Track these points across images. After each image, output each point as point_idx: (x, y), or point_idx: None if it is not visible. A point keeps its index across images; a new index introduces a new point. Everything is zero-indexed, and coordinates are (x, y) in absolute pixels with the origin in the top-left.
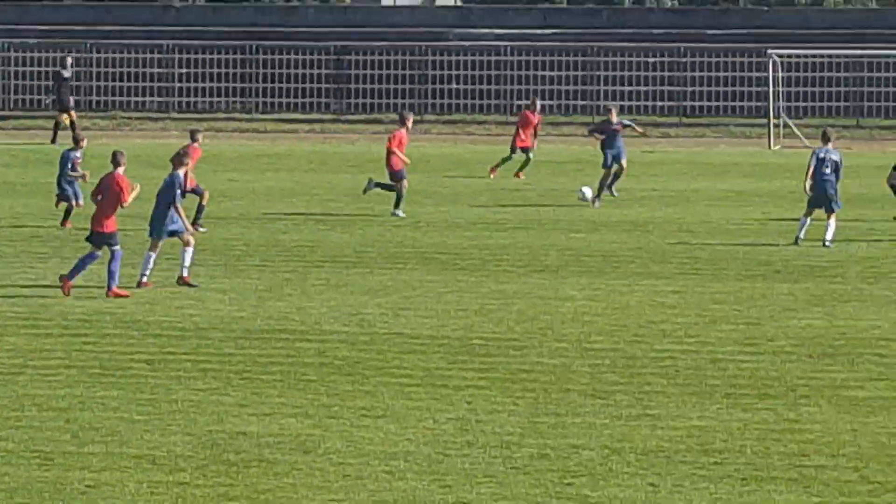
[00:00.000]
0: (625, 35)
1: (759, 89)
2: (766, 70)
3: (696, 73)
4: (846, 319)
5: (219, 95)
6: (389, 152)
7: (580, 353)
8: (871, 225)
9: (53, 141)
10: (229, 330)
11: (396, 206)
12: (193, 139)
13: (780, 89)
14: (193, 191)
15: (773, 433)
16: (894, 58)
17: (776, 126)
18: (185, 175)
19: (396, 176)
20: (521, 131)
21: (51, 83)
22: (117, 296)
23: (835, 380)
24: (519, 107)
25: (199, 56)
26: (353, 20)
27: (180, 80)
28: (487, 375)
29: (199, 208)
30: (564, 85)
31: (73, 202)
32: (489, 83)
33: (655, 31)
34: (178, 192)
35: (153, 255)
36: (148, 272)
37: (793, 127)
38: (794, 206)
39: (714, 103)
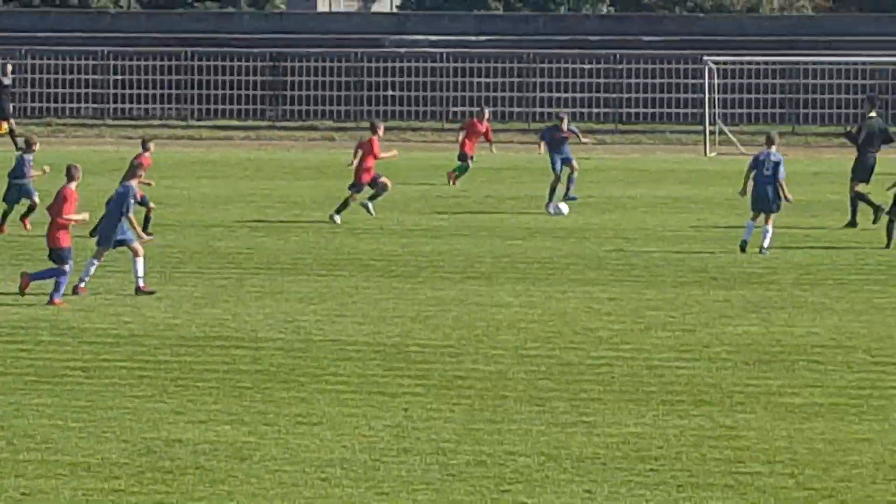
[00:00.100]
0: (560, 42)
1: (695, 96)
2: (702, 77)
3: (632, 80)
4: (782, 326)
5: (154, 102)
6: (368, 159)
7: (516, 360)
8: (806, 232)
9: None
10: (164, 337)
11: (338, 211)
12: (145, 148)
13: (716, 96)
14: (141, 201)
15: (708, 440)
16: (829, 65)
17: (712, 133)
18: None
19: (356, 187)
20: (467, 139)
21: None
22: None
23: (770, 386)
24: (454, 114)
25: (134, 63)
26: (288, 27)
27: (115, 87)
28: (423, 382)
29: (147, 218)
30: (500, 91)
31: (32, 199)
32: (425, 90)
33: (591, 37)
34: (131, 202)
35: (96, 263)
36: (87, 279)
37: (728, 134)
38: (729, 213)
39: (650, 110)
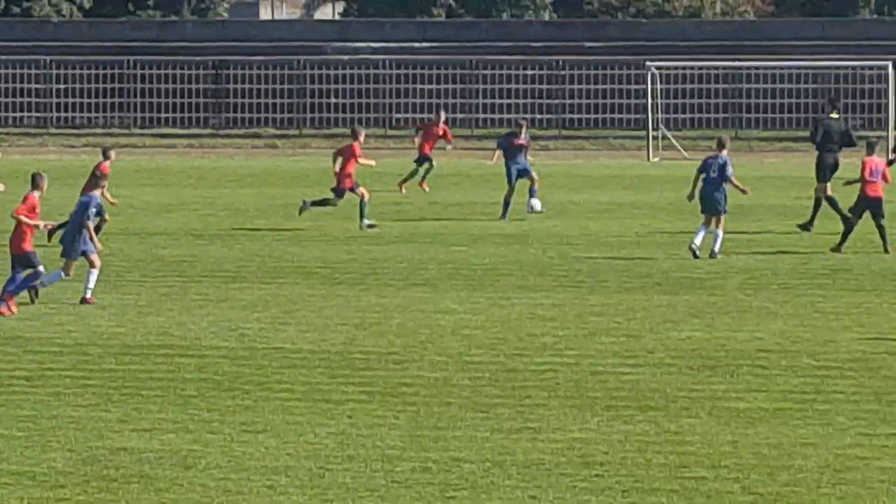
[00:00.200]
0: (503, 48)
1: (638, 101)
2: (645, 82)
3: (575, 86)
4: (726, 331)
5: (97, 111)
6: (349, 164)
7: (460, 367)
8: (750, 237)
9: None
10: (109, 346)
11: (314, 204)
12: (105, 156)
13: (659, 101)
14: (98, 212)
15: (653, 445)
16: (772, 69)
17: (655, 138)
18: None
19: (338, 192)
20: (425, 142)
21: None
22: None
23: (715, 391)
24: (397, 120)
25: (77, 71)
26: (231, 34)
27: (58, 96)
28: (368, 389)
29: (98, 228)
30: (443, 98)
31: None
32: (367, 97)
33: (534, 44)
34: (92, 211)
35: (63, 276)
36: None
37: (671, 139)
38: (673, 218)
39: (593, 116)
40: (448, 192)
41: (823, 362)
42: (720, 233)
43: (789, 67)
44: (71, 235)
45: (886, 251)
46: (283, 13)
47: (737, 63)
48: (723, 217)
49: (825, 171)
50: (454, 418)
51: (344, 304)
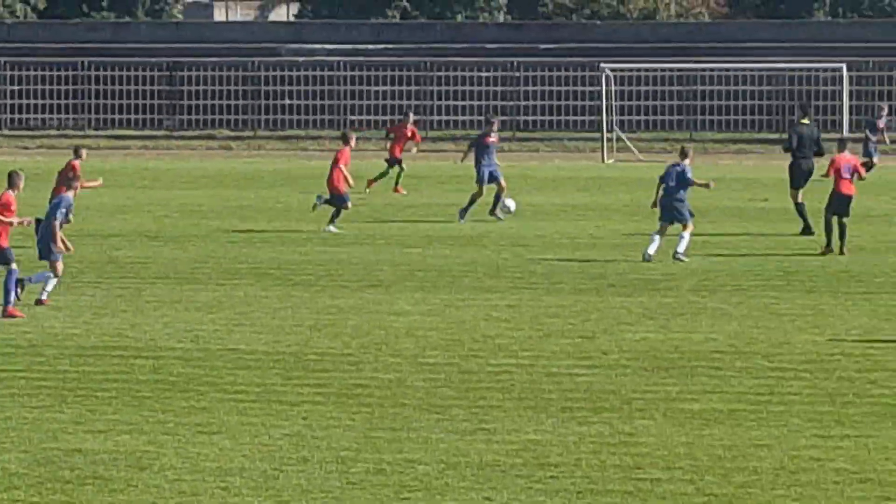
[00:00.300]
0: (458, 50)
1: (593, 103)
2: (600, 84)
3: (530, 88)
4: (680, 332)
5: (51, 112)
6: (334, 170)
7: (415, 368)
8: (704, 238)
9: None
10: (63, 347)
11: (331, 222)
12: (77, 155)
13: (614, 103)
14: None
15: (608, 446)
16: (726, 71)
17: (609, 140)
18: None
19: (338, 200)
20: (396, 144)
21: None
22: (12, 315)
23: (669, 393)
24: (352, 122)
25: (31, 73)
26: (185, 36)
27: (11, 97)
28: (323, 391)
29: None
30: (398, 100)
31: None
32: (322, 98)
33: (489, 45)
34: (63, 211)
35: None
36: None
37: (626, 140)
38: (627, 220)
39: (547, 117)
40: (402, 194)
41: (778, 364)
42: (686, 235)
43: (744, 69)
44: (46, 236)
45: (842, 252)
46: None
47: (691, 65)
48: (689, 223)
49: (799, 177)
50: (409, 420)
51: (298, 306)
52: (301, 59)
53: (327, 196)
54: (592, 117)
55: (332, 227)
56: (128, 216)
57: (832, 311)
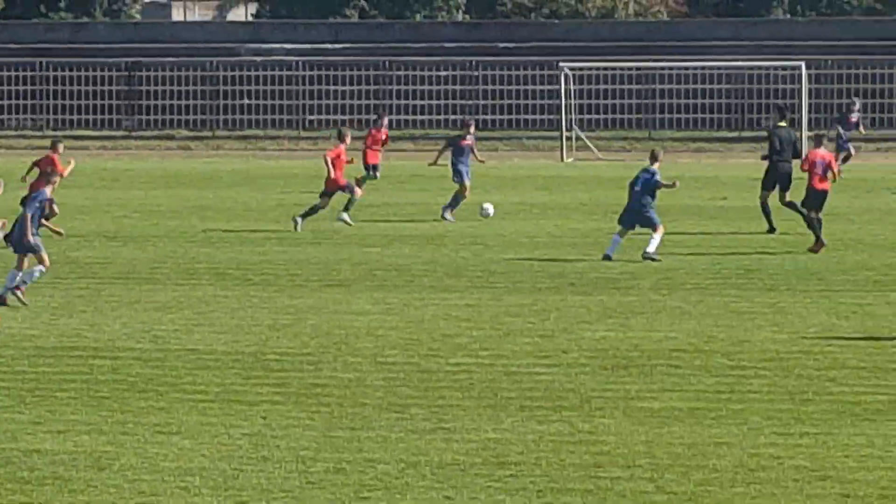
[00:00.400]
0: (416, 49)
1: (551, 102)
2: (558, 83)
3: (489, 87)
4: (640, 331)
5: (9, 112)
6: (329, 168)
7: (375, 368)
8: (664, 237)
9: None
10: (22, 348)
11: (345, 209)
12: (54, 149)
13: (572, 102)
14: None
15: (568, 445)
16: (685, 70)
17: (568, 139)
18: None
19: (346, 189)
20: (369, 150)
21: None
22: None
23: (629, 391)
24: (311, 122)
25: None
26: (143, 36)
27: None
28: (282, 390)
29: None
30: (357, 99)
31: None
32: (281, 98)
33: (447, 44)
34: (38, 206)
35: (40, 269)
36: (29, 281)
37: (585, 139)
38: (586, 219)
39: (506, 116)
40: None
41: (737, 362)
42: (657, 236)
43: (703, 68)
44: (21, 232)
45: (818, 244)
46: (196, 15)
47: (650, 63)
48: (659, 226)
49: (772, 180)
50: (368, 419)
51: (257, 306)
52: (259, 58)
53: (304, 209)
54: (551, 116)
55: (345, 216)
56: (86, 216)
57: (791, 310)
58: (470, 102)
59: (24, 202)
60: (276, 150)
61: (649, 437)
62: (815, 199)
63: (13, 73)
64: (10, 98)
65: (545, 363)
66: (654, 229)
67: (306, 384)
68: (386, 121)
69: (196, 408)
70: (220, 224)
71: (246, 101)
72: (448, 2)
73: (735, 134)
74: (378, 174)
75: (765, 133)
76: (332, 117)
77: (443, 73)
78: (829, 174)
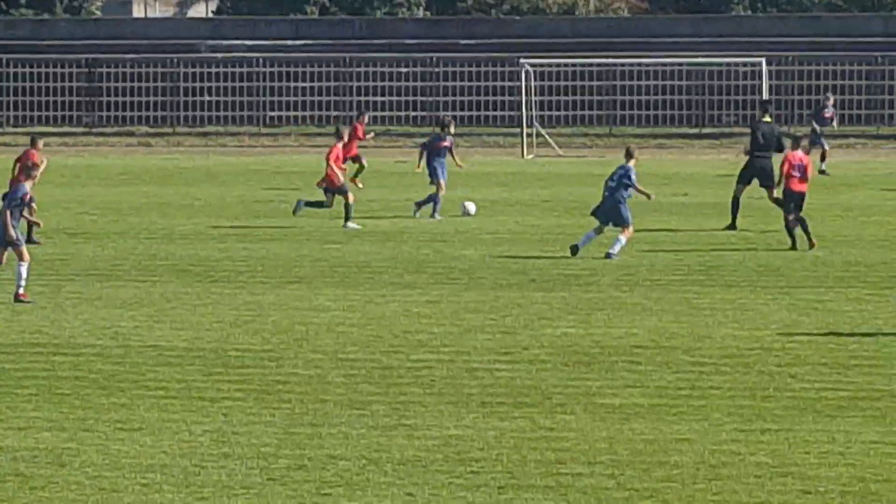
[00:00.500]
0: (377, 46)
1: (512, 99)
2: (519, 79)
3: (449, 83)
4: (601, 327)
5: None
6: (327, 168)
7: (336, 364)
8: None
9: None
10: None
11: (346, 219)
12: (33, 145)
13: (534, 99)
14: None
15: (529, 441)
16: (646, 66)
17: (529, 135)
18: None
19: (340, 190)
20: (352, 143)
21: None
22: None
23: (590, 388)
24: (271, 118)
25: None
26: (104, 32)
27: None
28: (243, 387)
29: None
30: (317, 96)
31: None
32: (241, 94)
33: (408, 41)
34: (18, 201)
35: (24, 266)
36: (23, 283)
37: (546, 136)
38: (547, 215)
39: (467, 113)
40: (322, 191)
41: (698, 358)
42: (622, 239)
43: (664, 64)
44: (3, 224)
45: (811, 245)
46: (157, 11)
47: (611, 60)
48: (628, 227)
49: (749, 175)
50: (329, 415)
51: (218, 302)
52: (220, 55)
53: (312, 199)
54: (512, 113)
55: (351, 224)
56: (47, 213)
57: (752, 306)
58: (430, 99)
59: (4, 197)
60: (237, 146)
61: (610, 434)
62: (790, 201)
63: None
64: None
65: (506, 360)
66: (624, 229)
67: (268, 381)
68: (366, 117)
69: (157, 404)
70: (181, 221)
71: (206, 97)
72: None
73: (696, 130)
74: (365, 163)
75: (727, 129)
76: (292, 114)
77: (403, 70)
78: (806, 175)
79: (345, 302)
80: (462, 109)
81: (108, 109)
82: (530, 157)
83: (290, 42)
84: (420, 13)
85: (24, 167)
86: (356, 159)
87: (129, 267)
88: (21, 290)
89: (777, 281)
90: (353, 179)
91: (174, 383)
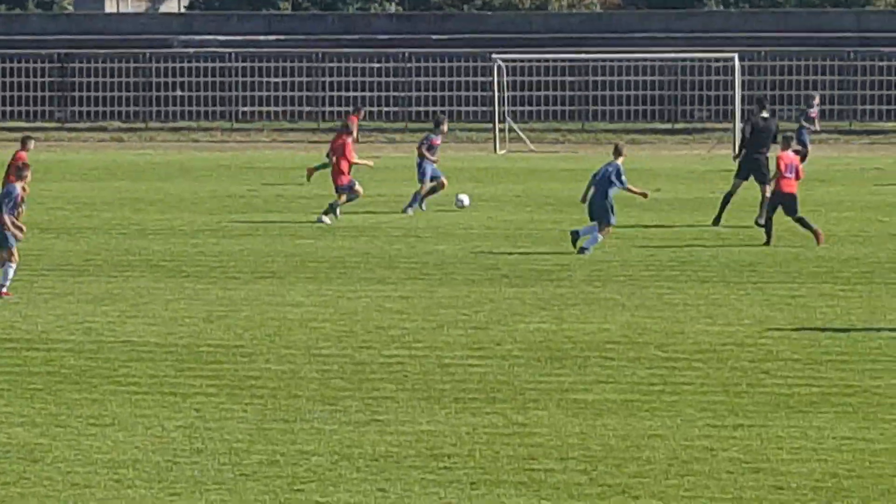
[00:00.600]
0: (350, 41)
1: (485, 94)
2: (491, 75)
3: (422, 79)
4: (573, 323)
5: None
6: (342, 162)
7: (308, 360)
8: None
9: None
10: None
11: (325, 212)
12: (24, 146)
13: (506, 94)
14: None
15: (501, 437)
16: (618, 62)
17: (502, 131)
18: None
19: (340, 188)
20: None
21: None
22: None
23: (563, 383)
24: (244, 113)
25: None
26: (76, 27)
27: None
28: (216, 382)
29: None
30: (290, 91)
31: None
32: (214, 90)
33: (380, 36)
34: (12, 204)
35: (12, 266)
36: (7, 282)
37: (518, 131)
38: (520, 210)
39: (439, 108)
40: (294, 186)
41: (671, 354)
42: (600, 237)
43: (636, 59)
44: None
45: (818, 242)
46: (129, 6)
47: (583, 55)
48: (606, 227)
49: (747, 171)
50: (302, 411)
51: (191, 297)
52: (192, 50)
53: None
54: (484, 108)
55: (325, 219)
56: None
57: (725, 301)
58: (403, 94)
59: None
60: (209, 141)
61: (583, 429)
62: (782, 203)
63: None
64: None
65: (479, 355)
66: (602, 227)
67: (240, 376)
68: (362, 112)
69: (130, 400)
70: (154, 216)
71: (179, 92)
72: None
73: (668, 126)
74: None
75: (700, 124)
76: (264, 109)
77: (376, 65)
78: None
79: (317, 297)
80: (434, 105)
81: (81, 105)
82: (502, 152)
83: (262, 37)
84: (392, 8)
85: (15, 168)
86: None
87: (102, 262)
88: (4, 290)
89: (750, 276)
90: (309, 172)
91: (146, 379)
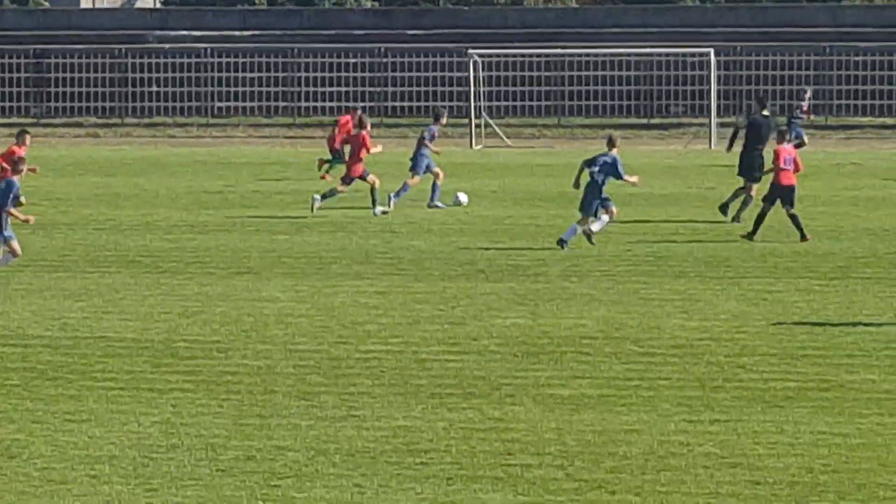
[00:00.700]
0: (326, 36)
1: (461, 89)
2: (467, 70)
3: (397, 74)
4: (550, 318)
5: None
6: (360, 153)
7: (285, 355)
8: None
9: None
10: None
11: (323, 197)
12: (20, 141)
13: (482, 89)
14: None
15: (478, 432)
16: (594, 57)
17: (478, 126)
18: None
19: (348, 179)
20: (339, 136)
21: None
22: None
23: (539, 378)
24: (219, 109)
25: None
26: (52, 23)
27: None
28: (192, 378)
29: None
30: (265, 86)
31: None
32: (189, 85)
33: (356, 31)
34: (11, 197)
35: (11, 258)
36: None
37: (494, 126)
38: (496, 206)
39: (415, 104)
40: (270, 181)
41: (647, 349)
42: (578, 228)
43: (612, 55)
44: None
45: (804, 238)
46: (105, 2)
47: (559, 50)
48: (587, 219)
49: (751, 168)
50: (278, 406)
51: (167, 293)
52: (168, 45)
53: (372, 195)
54: (461, 103)
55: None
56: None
57: (701, 296)
58: (379, 89)
59: None
60: (185, 136)
61: (559, 425)
62: (781, 195)
63: None
64: None
65: (455, 350)
66: (583, 221)
67: (216, 372)
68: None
69: (106, 395)
70: (129, 211)
71: (154, 88)
72: None
73: (644, 121)
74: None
75: (675, 120)
76: (240, 104)
77: (352, 61)
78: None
79: (294, 293)
80: (410, 100)
81: (57, 100)
82: (479, 147)
83: (237, 32)
84: (368, 3)
85: (11, 162)
86: (338, 154)
87: (78, 258)
88: None
89: (726, 271)
90: (323, 176)
91: (123, 374)
